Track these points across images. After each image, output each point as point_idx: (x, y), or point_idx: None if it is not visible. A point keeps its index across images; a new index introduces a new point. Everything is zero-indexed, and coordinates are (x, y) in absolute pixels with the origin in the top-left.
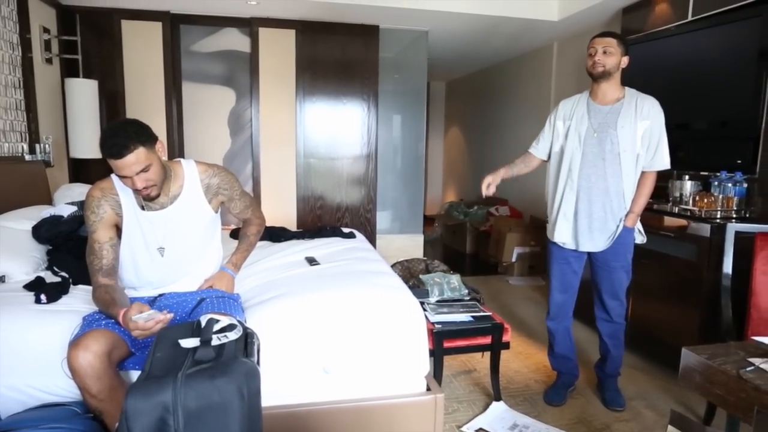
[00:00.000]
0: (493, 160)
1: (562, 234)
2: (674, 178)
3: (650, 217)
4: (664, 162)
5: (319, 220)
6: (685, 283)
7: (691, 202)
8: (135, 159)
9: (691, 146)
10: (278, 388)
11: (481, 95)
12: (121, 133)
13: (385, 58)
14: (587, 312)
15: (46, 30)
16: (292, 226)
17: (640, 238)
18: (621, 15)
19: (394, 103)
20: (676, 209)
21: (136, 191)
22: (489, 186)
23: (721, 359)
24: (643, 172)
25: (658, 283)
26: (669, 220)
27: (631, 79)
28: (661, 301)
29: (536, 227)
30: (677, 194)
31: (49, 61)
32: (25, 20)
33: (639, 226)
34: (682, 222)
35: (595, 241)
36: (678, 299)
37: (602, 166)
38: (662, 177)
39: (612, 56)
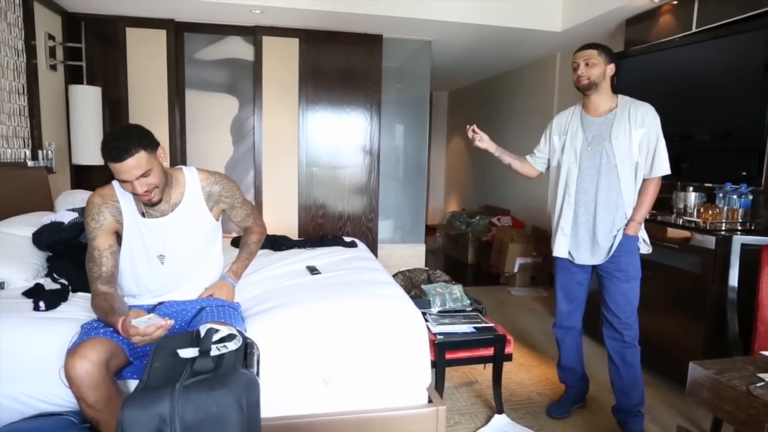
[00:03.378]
0: (496, 171)
1: (560, 249)
2: (678, 190)
3: (654, 228)
4: (663, 168)
5: (321, 229)
6: (690, 296)
7: (695, 213)
8: (135, 163)
9: (696, 158)
10: (278, 399)
11: (484, 105)
12: (123, 137)
13: (389, 67)
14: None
15: (51, 37)
16: (294, 234)
17: (645, 248)
18: (624, 26)
19: (397, 112)
20: (681, 221)
21: (136, 196)
22: (477, 134)
23: (730, 374)
24: (644, 180)
25: (662, 295)
26: (673, 232)
27: (633, 89)
28: (665, 314)
29: (538, 238)
30: (681, 206)
31: (53, 67)
32: (31, 27)
33: (644, 235)
34: (686, 234)
35: (596, 255)
36: (682, 312)
37: (598, 179)
38: (666, 188)
39: (595, 67)
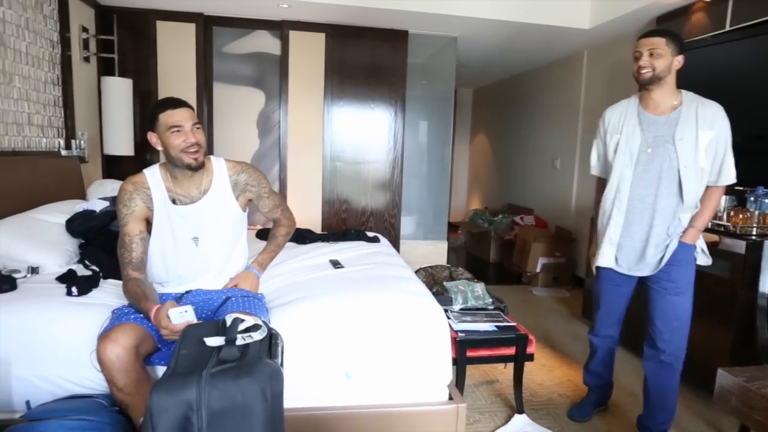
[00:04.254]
0: (519, 169)
1: (606, 259)
2: None
3: None
4: (730, 176)
5: (344, 224)
6: (718, 301)
7: (725, 217)
8: (190, 113)
9: None
10: (299, 391)
11: (509, 103)
12: (175, 97)
13: (414, 63)
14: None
15: (84, 29)
16: (317, 228)
17: (704, 260)
18: (655, 24)
19: (422, 109)
20: (710, 224)
21: (184, 152)
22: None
23: (760, 383)
24: (707, 187)
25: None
26: (703, 236)
27: None
28: (692, 319)
29: (561, 238)
30: None
31: (86, 59)
32: (66, 19)
33: (702, 245)
34: (715, 238)
35: (646, 265)
36: (710, 317)
37: (658, 184)
38: None
39: (661, 58)
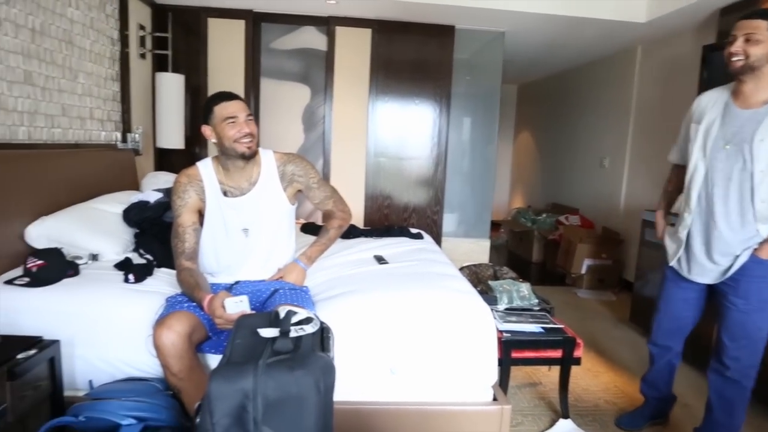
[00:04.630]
0: (565, 167)
1: (670, 256)
2: None
3: None
4: None
5: (386, 219)
6: None
7: None
8: (243, 105)
9: None
10: (343, 384)
11: (556, 100)
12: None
13: (459, 59)
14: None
15: (141, 27)
16: (360, 223)
17: None
18: (718, 16)
19: (466, 105)
20: None
21: (238, 142)
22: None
23: None
24: None
25: None
26: None
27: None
28: None
29: (608, 239)
30: None
31: (142, 56)
32: (125, 18)
33: None
34: None
35: (707, 273)
36: None
37: (727, 186)
38: None
39: (758, 45)
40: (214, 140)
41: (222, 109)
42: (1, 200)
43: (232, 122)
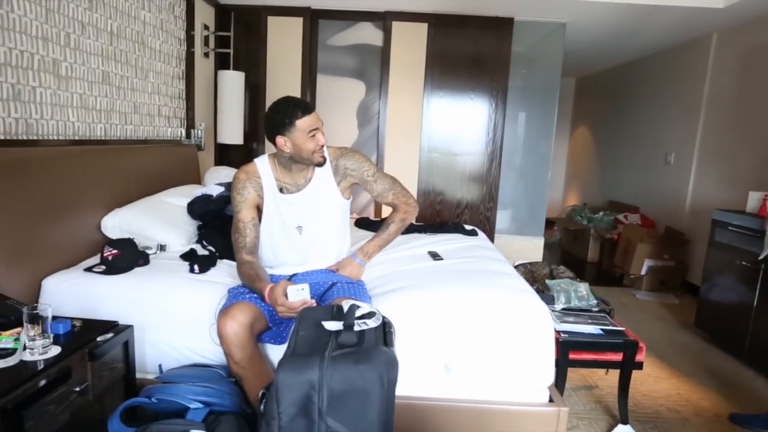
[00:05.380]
0: (625, 164)
1: None
2: None
3: None
4: None
5: (439, 216)
6: None
7: None
8: (317, 116)
9: None
10: (399, 379)
11: (617, 93)
12: (298, 99)
13: (516, 52)
14: None
15: (206, 27)
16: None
17: None
18: None
19: (522, 99)
20: None
21: (315, 153)
22: None
23: None
24: None
25: None
26: None
27: None
28: None
29: (671, 239)
30: None
31: (206, 55)
32: (191, 19)
33: None
34: None
35: None
36: None
37: None
38: None
39: None
40: (287, 150)
41: (304, 123)
42: (81, 192)
43: (313, 135)
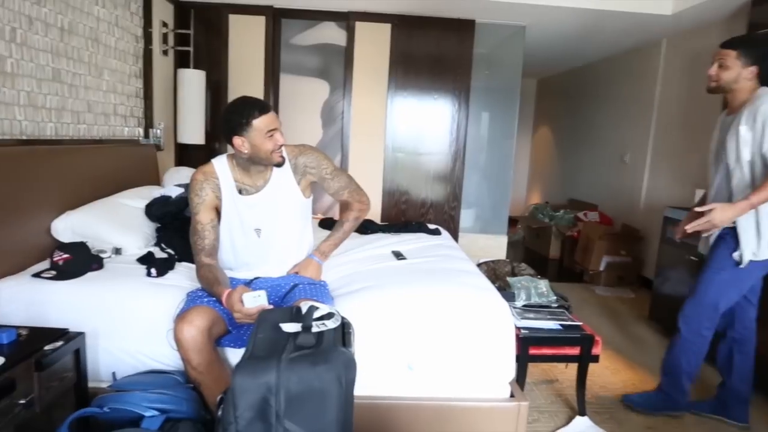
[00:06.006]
0: (584, 163)
1: None
2: None
3: None
4: None
5: (403, 215)
6: None
7: None
8: (276, 115)
9: None
10: (361, 379)
11: (576, 94)
12: (255, 98)
13: (478, 53)
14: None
15: (164, 24)
16: (377, 218)
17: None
18: (750, 7)
19: (485, 100)
20: None
21: (274, 153)
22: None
23: None
24: None
25: None
26: None
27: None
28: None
29: (628, 236)
30: None
31: (165, 52)
32: (149, 15)
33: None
34: None
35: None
36: None
37: None
38: None
39: (728, 70)
40: (245, 151)
41: (261, 123)
42: (29, 195)
43: (271, 135)
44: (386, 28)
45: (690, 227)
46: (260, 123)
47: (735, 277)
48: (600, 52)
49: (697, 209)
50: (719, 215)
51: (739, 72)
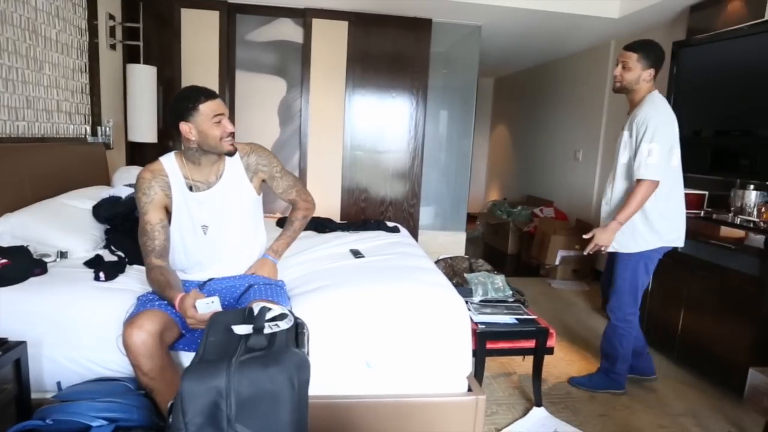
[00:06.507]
0: (540, 160)
1: None
2: (737, 188)
3: (707, 227)
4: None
5: (363, 213)
6: (744, 298)
7: (755, 213)
8: (224, 103)
9: (758, 154)
10: (319, 378)
11: (531, 93)
12: (201, 86)
13: (436, 52)
14: None
15: (111, 17)
16: (336, 217)
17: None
18: (688, 13)
19: (443, 98)
20: (738, 220)
21: (223, 141)
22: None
23: None
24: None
25: (713, 296)
26: (729, 231)
27: (693, 81)
28: (715, 316)
29: (582, 231)
30: (739, 204)
31: (113, 47)
32: (93, 7)
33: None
34: (742, 234)
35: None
36: (734, 314)
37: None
38: (724, 186)
39: (630, 72)
40: (193, 138)
41: (207, 108)
42: None
43: (218, 121)
44: (343, 25)
45: (586, 251)
46: (206, 108)
47: (641, 264)
48: (553, 53)
49: (584, 236)
50: (601, 238)
51: (639, 74)
